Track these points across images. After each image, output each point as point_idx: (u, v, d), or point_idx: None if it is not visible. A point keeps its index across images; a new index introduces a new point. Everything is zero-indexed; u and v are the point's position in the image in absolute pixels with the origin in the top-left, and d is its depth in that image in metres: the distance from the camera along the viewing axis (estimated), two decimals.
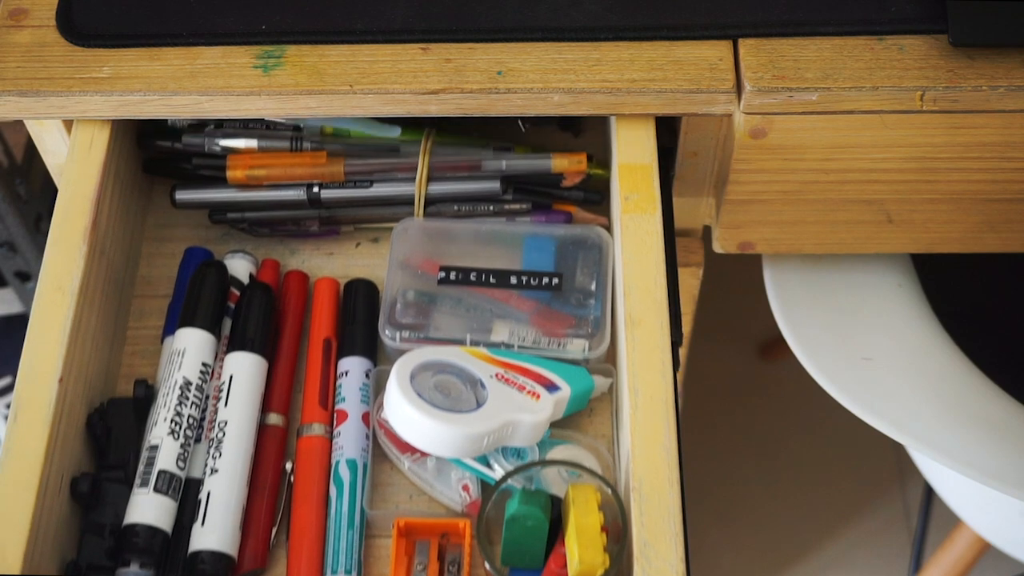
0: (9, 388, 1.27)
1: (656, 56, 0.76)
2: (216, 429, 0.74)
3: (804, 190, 0.82)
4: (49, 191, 1.14)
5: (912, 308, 0.95)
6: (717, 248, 0.87)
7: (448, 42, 0.77)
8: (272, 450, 0.75)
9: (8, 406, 1.22)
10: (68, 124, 0.80)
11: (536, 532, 0.68)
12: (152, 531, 0.70)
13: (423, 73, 0.76)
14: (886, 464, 1.50)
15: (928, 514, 1.37)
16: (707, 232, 0.90)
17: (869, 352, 0.92)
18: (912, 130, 0.77)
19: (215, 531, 0.70)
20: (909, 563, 1.38)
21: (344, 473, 0.74)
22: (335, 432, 0.75)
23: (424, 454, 0.74)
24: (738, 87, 0.76)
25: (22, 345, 0.71)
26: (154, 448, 0.72)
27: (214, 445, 0.73)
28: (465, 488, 0.73)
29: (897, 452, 1.50)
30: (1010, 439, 0.89)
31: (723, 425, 1.52)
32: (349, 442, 0.75)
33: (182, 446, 0.72)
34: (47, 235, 0.75)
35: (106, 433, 0.74)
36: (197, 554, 0.70)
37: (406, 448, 0.74)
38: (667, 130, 0.82)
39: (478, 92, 0.76)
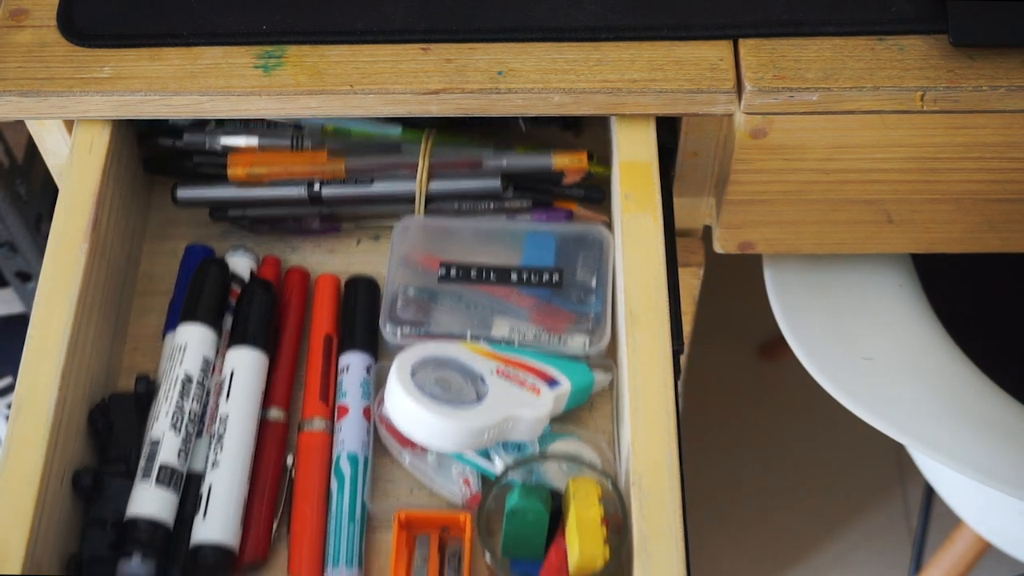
0: (9, 388, 1.27)
1: (656, 56, 0.77)
2: (217, 423, 0.74)
3: (805, 190, 0.82)
4: (49, 191, 1.14)
5: (912, 308, 0.95)
6: (717, 248, 0.87)
7: (449, 42, 0.77)
8: (273, 445, 0.76)
9: (9, 406, 1.22)
10: (69, 124, 0.80)
11: (536, 525, 0.68)
12: (154, 524, 0.70)
13: (424, 73, 0.76)
14: (886, 464, 1.50)
15: (928, 514, 1.37)
16: (707, 232, 0.90)
17: (870, 352, 0.92)
18: (912, 130, 0.77)
19: (216, 523, 0.71)
20: (909, 563, 1.38)
21: (345, 467, 0.74)
22: (336, 427, 0.75)
23: (425, 448, 0.74)
24: (738, 87, 0.76)
25: (23, 345, 0.72)
26: (156, 442, 0.72)
27: (215, 439, 0.73)
28: (466, 482, 0.74)
29: (897, 452, 1.50)
30: (1010, 439, 0.89)
31: (723, 425, 1.52)
32: (350, 436, 0.75)
33: (183, 440, 0.72)
34: (47, 236, 0.75)
35: (107, 428, 0.74)
36: (199, 546, 0.70)
37: (407, 442, 0.74)
38: (668, 130, 0.82)
39: (478, 92, 0.76)
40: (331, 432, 0.76)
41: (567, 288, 0.78)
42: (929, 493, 1.37)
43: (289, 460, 0.75)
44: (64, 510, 0.71)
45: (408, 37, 0.77)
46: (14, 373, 0.74)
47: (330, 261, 0.84)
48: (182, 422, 0.73)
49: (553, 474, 0.72)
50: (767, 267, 0.96)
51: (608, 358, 0.77)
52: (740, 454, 1.51)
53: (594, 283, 0.78)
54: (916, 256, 0.98)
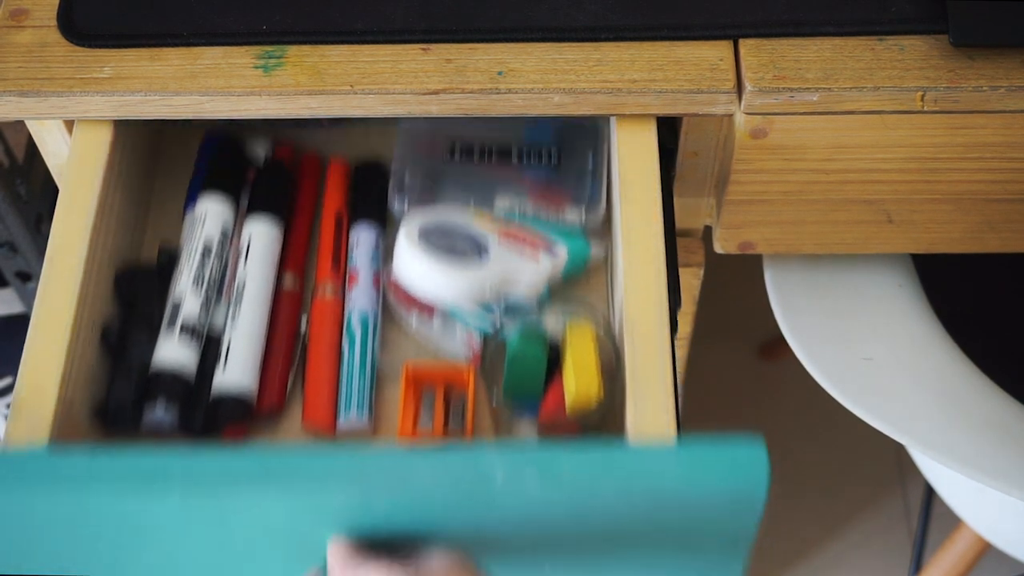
0: (9, 388, 1.27)
1: (657, 56, 0.77)
2: (236, 287, 0.78)
3: (805, 190, 0.82)
4: (49, 191, 1.14)
5: (912, 308, 0.95)
6: (718, 248, 0.87)
7: (449, 42, 0.77)
8: (288, 309, 0.80)
9: (8, 406, 1.22)
10: (69, 124, 0.80)
11: (535, 368, 0.72)
12: (176, 374, 0.75)
13: (424, 73, 0.76)
14: (886, 464, 1.50)
15: (928, 514, 1.37)
16: (707, 232, 0.90)
17: (870, 352, 0.92)
18: (913, 130, 0.77)
19: (236, 374, 0.76)
20: (909, 563, 1.39)
21: (356, 326, 0.79)
22: (347, 295, 0.80)
23: (431, 313, 0.78)
24: (739, 87, 0.76)
25: (23, 345, 0.72)
26: (177, 303, 0.77)
27: (234, 301, 0.78)
28: (469, 342, 0.77)
29: (897, 452, 1.50)
30: (1010, 439, 0.89)
31: (723, 425, 1.52)
32: (361, 300, 0.79)
33: (204, 302, 0.77)
34: (47, 236, 0.75)
35: (132, 294, 0.78)
36: (219, 395, 0.75)
37: (414, 304, 0.79)
38: (668, 130, 0.82)
39: (478, 92, 0.76)
40: (343, 298, 0.80)
41: (565, 170, 0.83)
42: (929, 493, 1.37)
43: (303, 323, 0.80)
44: (93, 358, 0.75)
45: (408, 37, 0.77)
46: (14, 373, 0.74)
47: (341, 150, 0.88)
48: (203, 284, 0.78)
49: (552, 327, 0.76)
50: (767, 267, 0.96)
51: (604, 235, 0.81)
52: None
53: (590, 165, 0.83)
54: (916, 256, 0.98)
